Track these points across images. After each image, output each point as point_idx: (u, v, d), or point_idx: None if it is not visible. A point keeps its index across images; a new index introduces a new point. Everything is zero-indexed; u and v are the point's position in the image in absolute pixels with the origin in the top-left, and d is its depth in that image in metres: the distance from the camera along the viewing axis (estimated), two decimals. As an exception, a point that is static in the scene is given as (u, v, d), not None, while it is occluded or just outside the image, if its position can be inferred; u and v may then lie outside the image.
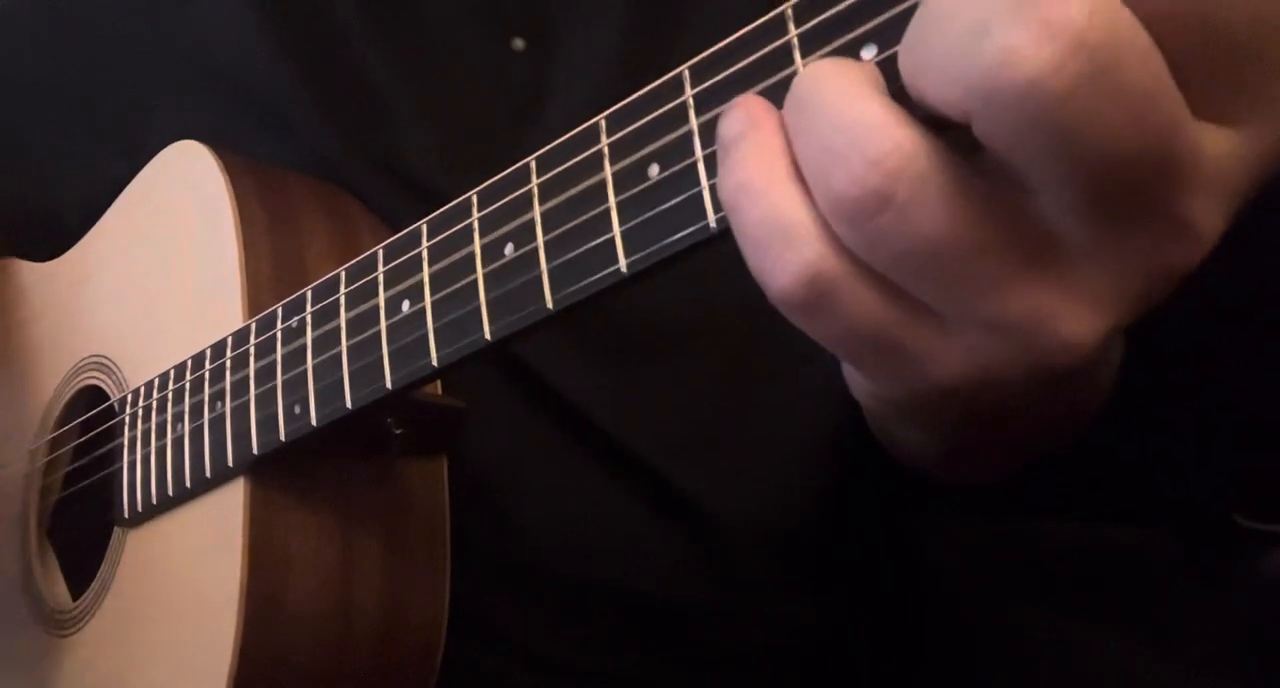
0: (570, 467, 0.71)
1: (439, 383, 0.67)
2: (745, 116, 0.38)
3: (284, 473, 0.64)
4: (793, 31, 0.38)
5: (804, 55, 0.38)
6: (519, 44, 0.73)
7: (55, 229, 0.86)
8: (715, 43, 0.41)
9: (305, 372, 0.60)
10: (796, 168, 0.36)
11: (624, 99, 0.45)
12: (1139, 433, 0.65)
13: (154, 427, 0.70)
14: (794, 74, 0.38)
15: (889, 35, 0.36)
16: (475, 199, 0.51)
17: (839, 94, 0.35)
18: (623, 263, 0.44)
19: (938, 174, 0.34)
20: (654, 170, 0.43)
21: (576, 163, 0.46)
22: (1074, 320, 0.35)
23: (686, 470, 0.71)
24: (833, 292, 0.36)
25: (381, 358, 0.55)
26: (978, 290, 0.35)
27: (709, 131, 0.41)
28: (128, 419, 0.73)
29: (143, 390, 0.72)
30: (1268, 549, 0.84)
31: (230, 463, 0.64)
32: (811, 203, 0.36)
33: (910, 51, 0.34)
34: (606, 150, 0.45)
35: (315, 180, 0.73)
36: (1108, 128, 0.31)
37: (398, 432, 0.64)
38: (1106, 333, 0.35)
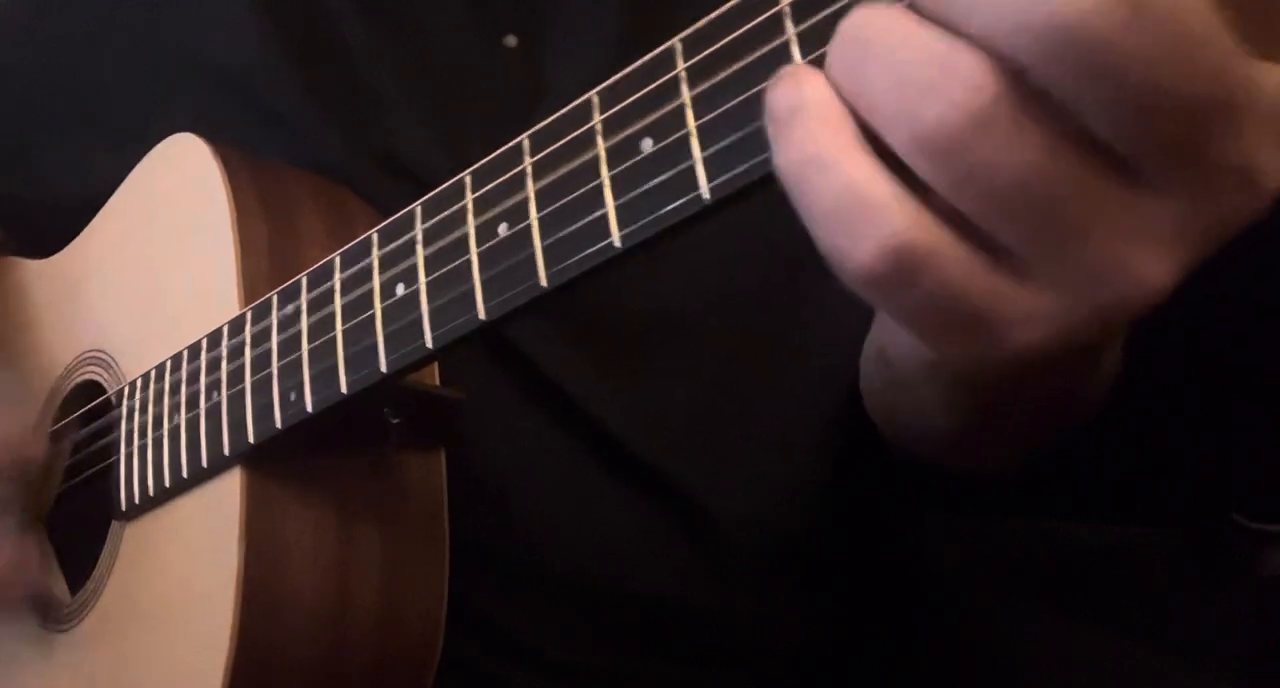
0: (570, 464, 0.71)
1: (437, 374, 0.67)
2: (798, 86, 0.36)
3: (281, 465, 0.64)
4: (784, 1, 0.38)
5: (796, 23, 0.38)
6: (511, 41, 0.74)
7: (54, 226, 0.86)
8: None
9: (300, 358, 0.60)
10: (860, 135, 0.35)
11: None
12: (1139, 433, 0.65)
13: (151, 419, 0.70)
14: (786, 44, 0.38)
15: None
16: (469, 179, 0.51)
17: (909, 30, 0.34)
18: (616, 237, 0.44)
19: (1030, 99, 0.33)
20: (647, 144, 0.43)
21: (569, 140, 0.46)
22: (1152, 262, 0.34)
23: (686, 468, 0.71)
24: (920, 262, 0.34)
25: (376, 341, 0.55)
26: (1070, 228, 0.34)
27: (701, 104, 0.41)
28: (124, 412, 0.73)
29: (139, 383, 0.72)
30: (1268, 549, 0.84)
31: (227, 452, 0.64)
32: (888, 171, 0.35)
33: None
34: (599, 126, 0.45)
35: (311, 174, 0.73)
36: (1155, 70, 0.31)
37: (394, 421, 0.64)
38: (1177, 276, 0.34)
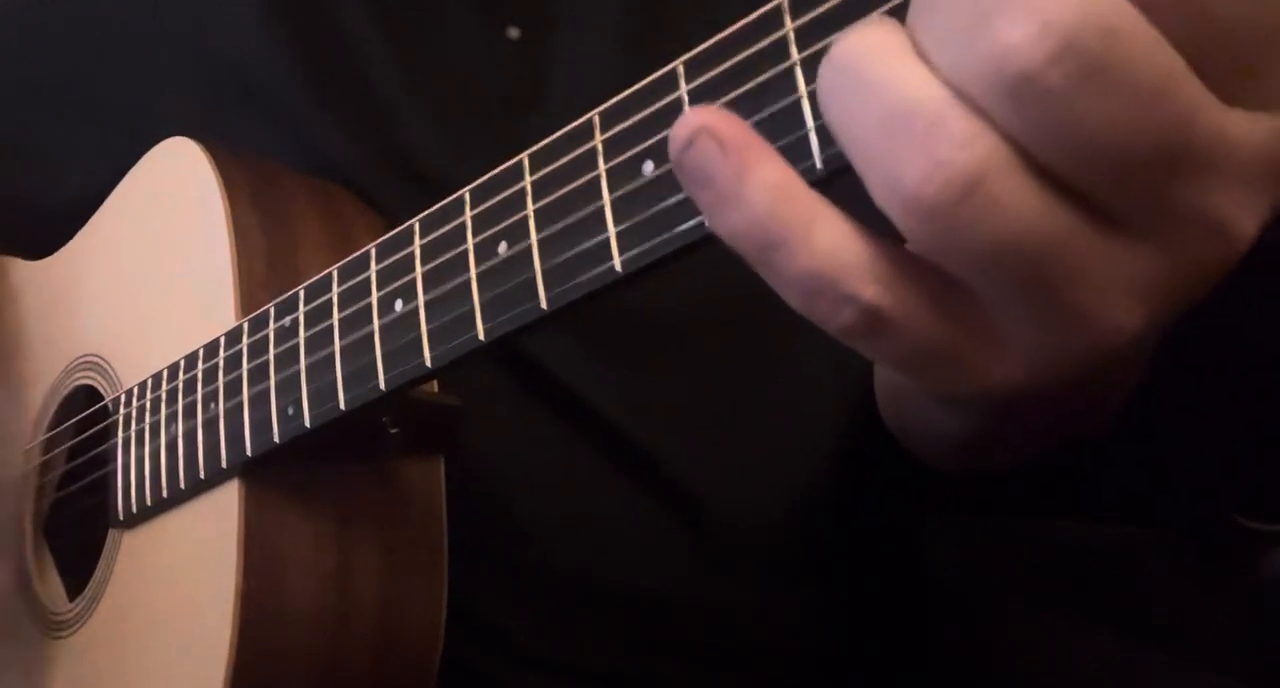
0: (573, 462, 0.71)
1: (436, 381, 0.66)
2: (736, 154, 0.35)
3: (279, 474, 0.64)
4: (789, 25, 0.38)
5: (800, 49, 0.37)
6: (514, 33, 0.73)
7: (53, 226, 0.86)
8: (712, 29, 0.41)
9: (298, 372, 0.59)
10: (818, 200, 0.35)
11: (620, 86, 0.44)
12: (1139, 433, 0.65)
13: (148, 427, 0.70)
14: (791, 68, 0.38)
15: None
16: (468, 196, 0.51)
17: (897, 67, 0.32)
18: (617, 262, 0.43)
19: (1014, 156, 0.32)
20: (648, 167, 0.42)
21: (570, 160, 0.46)
22: (1125, 311, 0.34)
23: (690, 466, 0.71)
24: (891, 325, 0.34)
25: (375, 359, 0.55)
26: (1050, 280, 0.33)
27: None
28: (121, 420, 0.73)
29: (136, 390, 0.72)
30: (1268, 549, 0.84)
31: (224, 464, 0.64)
32: (855, 234, 0.34)
33: (913, 31, 0.33)
34: (600, 147, 0.44)
35: (308, 177, 0.73)
36: (1113, 122, 0.30)
37: (393, 431, 0.64)
38: (1146, 324, 0.34)
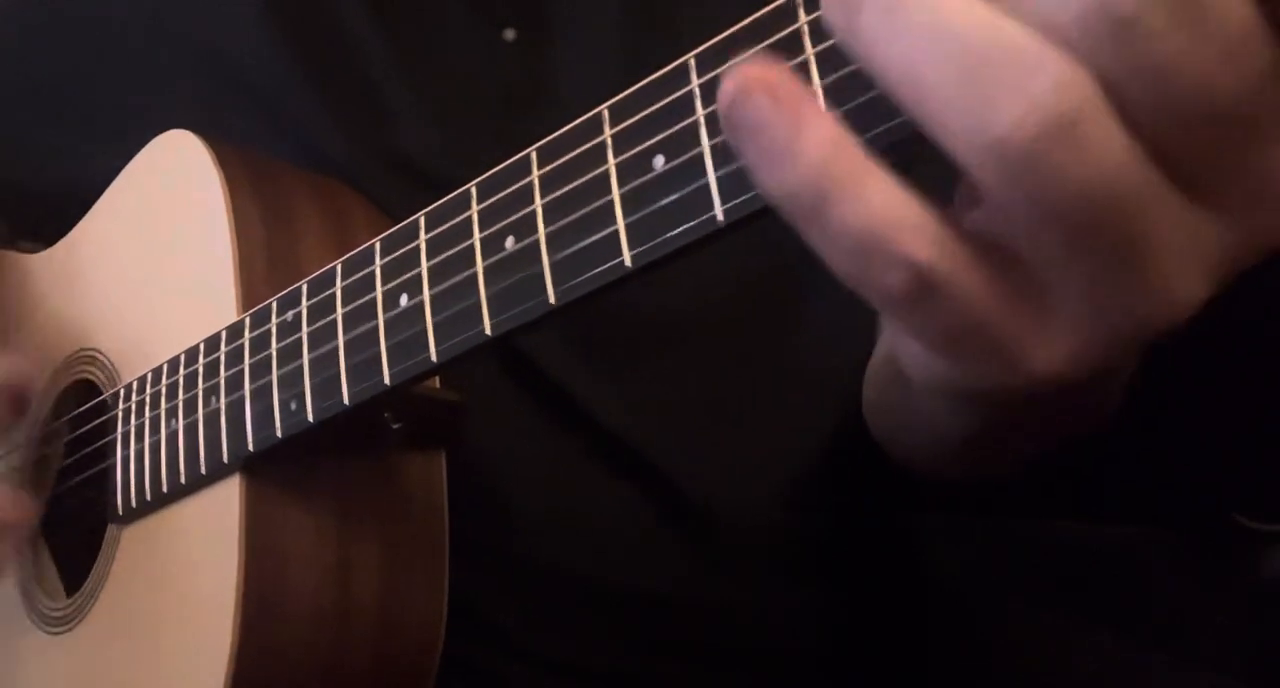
0: (570, 462, 0.71)
1: (438, 376, 0.66)
2: (794, 108, 0.33)
3: (280, 468, 0.64)
4: (803, 19, 0.37)
5: (814, 43, 0.37)
6: (510, 34, 0.73)
7: (55, 217, 0.86)
8: (709, 29, 0.40)
9: (301, 367, 0.59)
10: (867, 155, 0.34)
11: (620, 87, 0.44)
12: (1139, 433, 0.65)
13: (147, 422, 0.70)
14: (805, 62, 0.37)
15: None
16: (474, 191, 0.51)
17: (969, 8, 0.31)
18: (627, 257, 0.43)
19: (1103, 102, 0.31)
20: (659, 162, 0.42)
21: (579, 154, 0.45)
22: (1191, 281, 0.33)
23: (688, 466, 0.71)
24: (939, 290, 0.33)
25: (379, 353, 0.55)
26: (1125, 248, 0.32)
27: (716, 122, 0.40)
28: (120, 414, 0.72)
29: (135, 385, 0.71)
30: (1268, 549, 0.84)
31: (226, 459, 0.63)
32: (906, 192, 0.33)
33: None
34: (609, 141, 0.44)
35: (309, 171, 0.72)
36: (1206, 70, 0.30)
37: (395, 426, 0.64)
38: (1207, 295, 0.33)
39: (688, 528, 0.71)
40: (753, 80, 0.34)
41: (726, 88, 0.34)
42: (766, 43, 0.39)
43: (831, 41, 0.36)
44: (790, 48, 0.38)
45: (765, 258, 0.69)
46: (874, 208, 0.33)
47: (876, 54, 0.32)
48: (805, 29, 0.37)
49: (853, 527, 0.76)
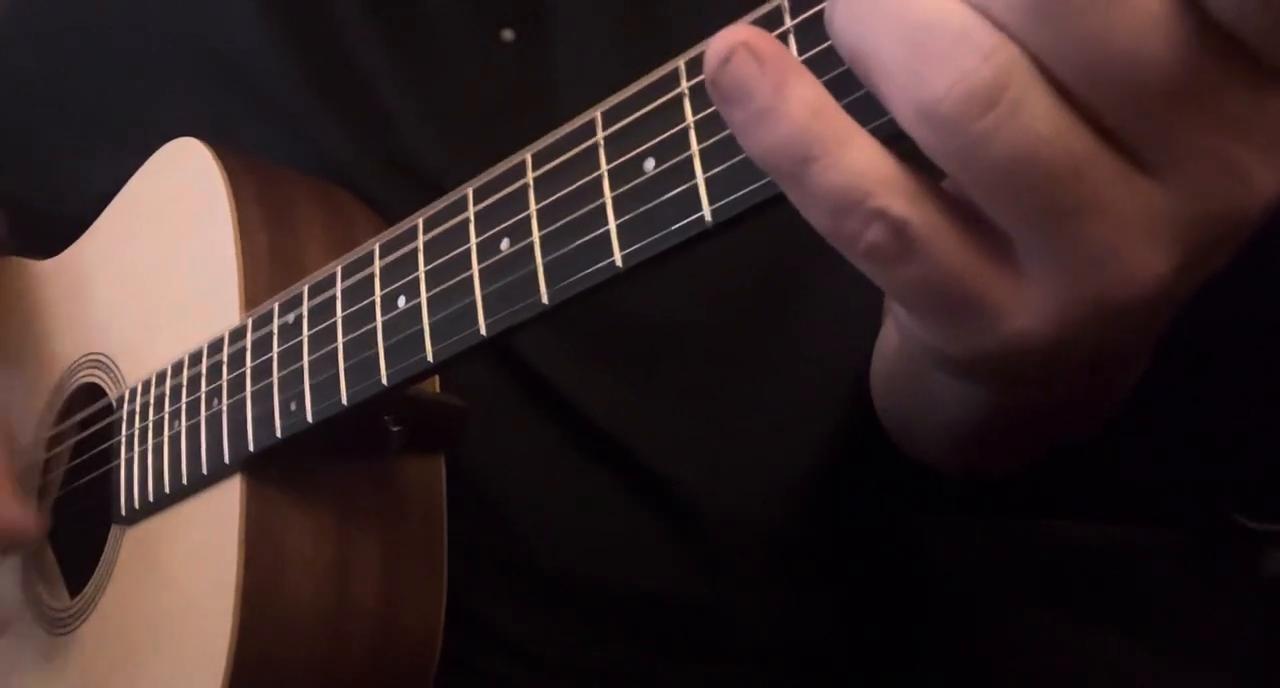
0: (568, 466, 0.71)
1: (438, 381, 0.66)
2: (780, 74, 0.35)
3: (281, 471, 0.64)
4: (788, 23, 0.38)
5: (800, 51, 0.37)
6: (508, 35, 0.73)
7: (60, 225, 0.86)
8: (708, 29, 0.41)
9: (301, 368, 0.60)
10: (846, 117, 0.35)
11: (619, 87, 0.44)
12: (1140, 433, 0.65)
13: (150, 424, 0.70)
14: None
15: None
16: (471, 194, 0.51)
17: None
18: (618, 257, 0.43)
19: (1035, 73, 0.32)
20: (649, 164, 0.43)
21: (572, 157, 0.46)
22: (1145, 254, 0.34)
23: (684, 470, 0.71)
24: (915, 242, 0.34)
25: (377, 354, 0.55)
26: (1066, 211, 0.33)
27: (705, 126, 0.41)
28: (124, 416, 0.73)
29: (139, 388, 0.72)
30: (1269, 549, 0.84)
31: (227, 460, 0.64)
32: (887, 153, 0.34)
33: None
34: (602, 144, 0.45)
35: (313, 178, 0.73)
36: (1133, 38, 0.31)
37: (395, 429, 0.64)
38: (1178, 267, 0.34)
39: (684, 529, 0.72)
40: (738, 43, 0.35)
41: (713, 50, 0.35)
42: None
43: (820, 47, 0.37)
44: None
45: (762, 261, 0.70)
46: (854, 165, 0.34)
47: (834, 30, 0.34)
48: (791, 34, 0.38)
49: (850, 527, 0.77)
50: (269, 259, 0.68)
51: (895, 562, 0.82)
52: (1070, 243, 0.34)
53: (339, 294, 0.58)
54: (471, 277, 0.50)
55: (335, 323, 0.58)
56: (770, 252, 0.69)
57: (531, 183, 0.48)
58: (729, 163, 0.40)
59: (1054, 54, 0.32)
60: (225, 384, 0.65)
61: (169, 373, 0.69)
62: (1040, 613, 0.86)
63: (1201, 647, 0.83)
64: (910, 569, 0.83)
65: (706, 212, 0.40)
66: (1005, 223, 0.34)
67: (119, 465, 0.73)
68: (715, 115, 0.40)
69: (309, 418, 0.59)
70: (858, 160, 0.34)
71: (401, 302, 0.54)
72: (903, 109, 0.33)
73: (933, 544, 0.85)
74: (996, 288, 0.35)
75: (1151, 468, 0.81)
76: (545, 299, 0.46)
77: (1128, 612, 0.85)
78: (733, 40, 0.35)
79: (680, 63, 0.42)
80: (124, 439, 0.73)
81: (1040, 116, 0.32)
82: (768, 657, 0.75)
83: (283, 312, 0.62)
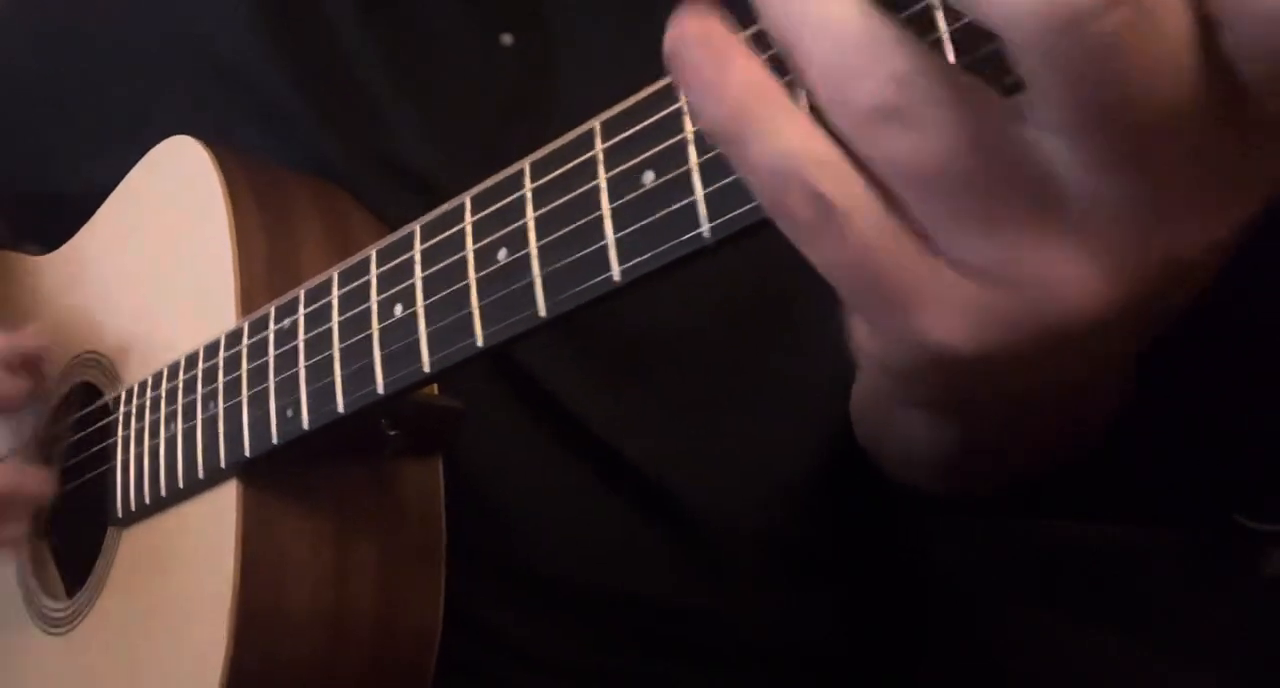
0: (565, 472, 0.71)
1: (435, 384, 0.66)
2: (724, 53, 0.37)
3: (278, 474, 0.64)
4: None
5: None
6: (507, 40, 0.73)
7: (56, 220, 0.86)
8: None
9: (297, 374, 0.59)
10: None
11: (619, 92, 0.44)
12: (1140, 433, 0.65)
13: (147, 425, 0.70)
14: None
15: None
16: (469, 202, 0.51)
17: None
18: (616, 271, 0.43)
19: (948, 95, 0.33)
20: (648, 177, 0.42)
21: (570, 168, 0.46)
22: (1080, 277, 0.34)
23: (681, 476, 0.71)
24: (839, 216, 0.35)
25: (374, 362, 0.55)
26: (978, 221, 0.34)
27: (705, 139, 0.40)
28: (121, 417, 0.73)
29: (136, 389, 0.72)
30: (1269, 549, 0.84)
31: (222, 464, 0.64)
32: (822, 131, 0.36)
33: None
34: (601, 156, 0.44)
35: (311, 177, 0.72)
36: (1146, 72, 0.30)
37: (392, 433, 0.64)
38: (1116, 299, 0.34)
39: (682, 534, 0.72)
40: (691, 25, 0.37)
41: (671, 33, 0.37)
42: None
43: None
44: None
45: (756, 270, 0.70)
46: (786, 142, 0.36)
47: (770, 25, 0.36)
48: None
49: (849, 528, 0.77)
50: (266, 260, 0.68)
51: (895, 562, 0.82)
52: (992, 255, 0.34)
53: (335, 300, 0.58)
54: (468, 286, 0.50)
55: (331, 329, 0.58)
56: (767, 260, 0.69)
57: (530, 193, 0.47)
58: (729, 178, 0.39)
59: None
60: (221, 388, 0.64)
61: (165, 375, 0.69)
62: (1040, 613, 0.86)
63: (1201, 647, 0.83)
64: (910, 570, 0.83)
65: (705, 228, 0.40)
66: (928, 218, 0.35)
67: (116, 467, 0.72)
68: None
69: (305, 425, 0.59)
70: (790, 136, 0.36)
71: (398, 309, 0.54)
72: (830, 107, 0.35)
73: (933, 544, 0.85)
74: (914, 276, 0.36)
75: (1151, 468, 0.81)
76: (543, 311, 0.46)
77: (1128, 612, 0.85)
78: (688, 24, 0.37)
79: None
80: (120, 441, 0.72)
81: (951, 119, 0.33)
82: (767, 658, 0.75)
83: (279, 316, 0.62)
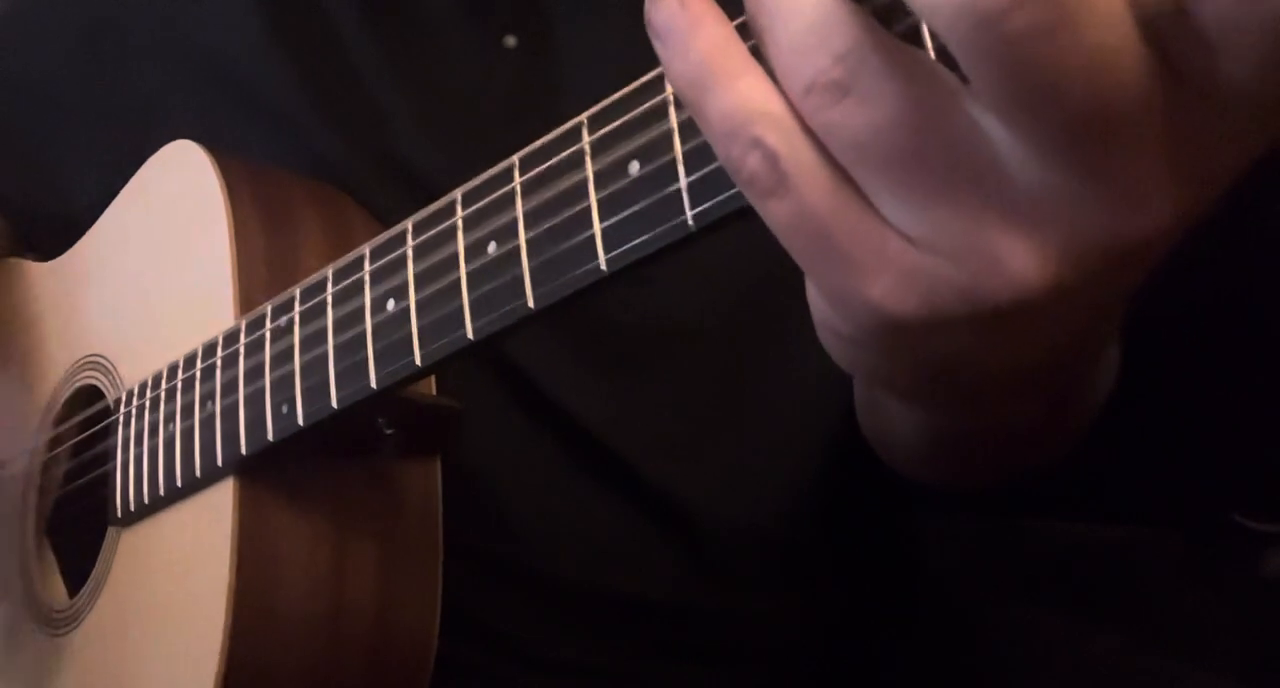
0: (561, 470, 0.71)
1: (434, 384, 0.67)
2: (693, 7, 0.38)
3: (275, 473, 0.64)
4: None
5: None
6: (510, 41, 0.73)
7: (66, 229, 0.86)
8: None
9: (293, 371, 0.60)
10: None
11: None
12: (1138, 432, 0.65)
13: (147, 426, 0.70)
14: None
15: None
16: (459, 197, 0.51)
17: None
18: (602, 260, 0.44)
19: (895, 72, 0.34)
20: (634, 167, 0.43)
21: (558, 161, 0.46)
22: (1018, 255, 0.34)
23: (677, 475, 0.71)
24: (789, 174, 0.36)
25: (366, 357, 0.55)
26: (920, 193, 0.35)
27: (689, 129, 0.41)
28: (122, 418, 0.73)
29: (136, 389, 0.72)
30: (1268, 550, 0.84)
31: (220, 463, 0.64)
32: (778, 91, 0.37)
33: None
34: (588, 148, 0.45)
35: (311, 180, 0.73)
36: (1076, 68, 0.31)
37: (389, 432, 0.64)
38: (1053, 280, 0.34)
39: (681, 533, 0.72)
40: None
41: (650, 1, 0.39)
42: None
43: None
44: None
45: (754, 267, 0.70)
46: (741, 98, 0.37)
47: (746, 8, 0.37)
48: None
49: (849, 529, 0.77)
50: (265, 261, 0.68)
51: (894, 563, 0.82)
52: (934, 224, 0.35)
53: (330, 297, 0.59)
54: (459, 280, 0.50)
55: (326, 326, 0.58)
56: (766, 258, 0.69)
57: (518, 186, 0.48)
58: (712, 166, 0.40)
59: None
60: (218, 386, 0.65)
61: (164, 376, 0.70)
62: (1039, 613, 0.86)
63: (1201, 647, 0.83)
64: (910, 570, 0.83)
65: (689, 215, 0.40)
66: (876, 186, 0.36)
67: (115, 467, 0.73)
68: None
69: (300, 421, 0.59)
70: (746, 92, 0.37)
71: (391, 305, 0.54)
72: (785, 79, 0.36)
73: (932, 545, 0.85)
74: (862, 240, 0.36)
75: (1152, 468, 0.81)
76: (531, 303, 0.47)
77: (1128, 612, 0.85)
78: None
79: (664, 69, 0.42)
80: (120, 441, 0.73)
81: (895, 91, 0.34)
82: (766, 658, 0.75)
83: (275, 315, 0.62)
